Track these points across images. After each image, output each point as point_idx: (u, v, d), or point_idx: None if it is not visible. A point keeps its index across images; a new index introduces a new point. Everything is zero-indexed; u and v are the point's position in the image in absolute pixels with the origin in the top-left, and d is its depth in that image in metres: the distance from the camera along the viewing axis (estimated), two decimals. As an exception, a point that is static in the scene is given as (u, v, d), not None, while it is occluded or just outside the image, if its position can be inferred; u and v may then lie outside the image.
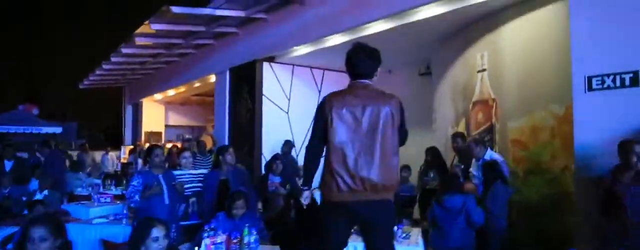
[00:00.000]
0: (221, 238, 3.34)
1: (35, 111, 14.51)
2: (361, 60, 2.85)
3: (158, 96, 13.71)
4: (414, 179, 6.55)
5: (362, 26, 6.11)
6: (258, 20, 7.82)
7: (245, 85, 8.51)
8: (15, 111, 14.80)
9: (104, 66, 11.11)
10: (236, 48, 8.73)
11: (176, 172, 4.96)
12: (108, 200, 6.36)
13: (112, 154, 13.52)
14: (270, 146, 8.15)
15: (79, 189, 7.79)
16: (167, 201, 4.46)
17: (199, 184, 5.01)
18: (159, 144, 7.52)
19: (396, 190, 2.85)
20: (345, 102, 2.72)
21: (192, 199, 4.98)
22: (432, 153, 5.72)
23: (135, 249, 2.77)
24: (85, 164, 11.10)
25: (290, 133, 8.55)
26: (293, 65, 8.55)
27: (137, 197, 4.35)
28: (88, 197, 6.87)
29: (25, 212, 5.42)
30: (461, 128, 6.13)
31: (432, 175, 5.42)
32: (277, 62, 8.32)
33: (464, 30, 6.06)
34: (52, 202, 6.33)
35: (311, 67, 8.82)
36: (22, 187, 6.75)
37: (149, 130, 14.48)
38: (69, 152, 12.61)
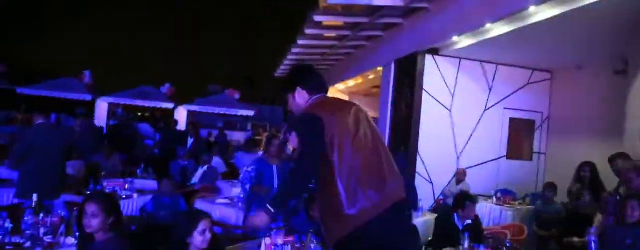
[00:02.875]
0: (284, 239, 3.16)
1: (236, 96, 16.49)
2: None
3: (340, 86, 14.14)
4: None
5: (524, 13, 5.16)
6: (420, 10, 7.32)
7: (407, 79, 8.09)
8: (221, 95, 17.08)
9: (289, 57, 11.91)
10: (400, 40, 8.35)
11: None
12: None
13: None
14: (427, 147, 7.60)
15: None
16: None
17: None
18: (278, 134, 7.66)
19: None
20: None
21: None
22: (591, 170, 4.54)
23: (180, 240, 2.78)
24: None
25: (452, 132, 7.84)
26: (459, 58, 7.78)
27: (247, 186, 4.45)
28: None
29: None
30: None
31: (588, 198, 4.29)
32: (442, 55, 7.67)
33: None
34: (210, 178, 7.05)
35: (481, 62, 7.91)
36: (192, 162, 7.67)
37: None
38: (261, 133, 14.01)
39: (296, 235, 3.35)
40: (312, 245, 3.14)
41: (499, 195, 6.96)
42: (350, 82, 12.98)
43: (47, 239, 3.27)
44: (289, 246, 3.14)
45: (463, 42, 6.83)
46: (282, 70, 14.67)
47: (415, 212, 5.37)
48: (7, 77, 16.21)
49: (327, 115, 2.43)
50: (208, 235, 2.78)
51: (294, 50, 11.08)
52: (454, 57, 7.73)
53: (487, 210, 6.91)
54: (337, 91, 14.94)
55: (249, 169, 4.51)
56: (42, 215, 3.41)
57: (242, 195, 5.20)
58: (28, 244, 3.19)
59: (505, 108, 8.09)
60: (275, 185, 4.45)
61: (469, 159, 7.83)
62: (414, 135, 7.70)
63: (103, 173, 6.59)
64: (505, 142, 8.14)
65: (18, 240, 3.24)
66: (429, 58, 7.66)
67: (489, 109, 8.01)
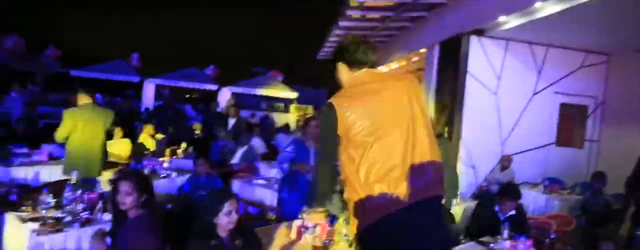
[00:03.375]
0: (316, 222, 3.11)
1: (279, 78, 16.54)
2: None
3: (383, 69, 13.89)
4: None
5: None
6: (467, -11, 7.01)
7: (450, 62, 7.81)
8: (264, 77, 17.19)
9: (330, 39, 11.77)
10: (445, 20, 8.05)
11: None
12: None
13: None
14: (470, 131, 7.34)
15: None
16: (310, 175, 4.43)
17: None
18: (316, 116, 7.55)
19: None
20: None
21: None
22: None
23: (208, 220, 2.77)
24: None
25: (497, 117, 7.54)
26: (507, 40, 7.43)
27: (286, 165, 4.42)
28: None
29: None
30: None
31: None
32: (488, 36, 7.34)
33: None
34: (249, 158, 7.11)
35: (530, 43, 7.52)
36: (232, 143, 7.74)
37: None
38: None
39: (328, 218, 3.29)
40: (344, 230, 3.08)
41: (546, 183, 6.65)
42: (393, 65, 12.72)
43: (85, 214, 3.36)
44: (319, 228, 3.09)
45: (510, 22, 6.48)
46: (324, 52, 14.57)
47: (454, 199, 5.20)
48: (61, 61, 16.87)
49: (346, 104, 2.26)
50: (234, 216, 2.76)
51: (336, 31, 10.94)
52: (500, 38, 7.38)
53: (532, 199, 6.63)
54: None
55: (288, 149, 4.48)
56: (80, 191, 3.50)
57: (279, 177, 5.19)
58: (67, 218, 3.29)
59: (555, 92, 7.69)
60: (312, 169, 4.42)
61: (515, 145, 7.52)
62: (457, 120, 7.45)
63: (145, 152, 6.76)
64: (555, 128, 7.76)
65: (58, 215, 3.35)
66: (474, 39, 7.35)
67: (537, 93, 7.64)
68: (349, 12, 8.56)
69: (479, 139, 7.38)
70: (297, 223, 3.21)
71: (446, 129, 7.72)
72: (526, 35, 7.21)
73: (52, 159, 5.74)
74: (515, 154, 7.41)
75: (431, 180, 2.25)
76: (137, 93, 15.52)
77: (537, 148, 7.66)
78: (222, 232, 2.78)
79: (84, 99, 5.07)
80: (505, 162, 7.27)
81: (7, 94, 9.72)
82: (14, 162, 5.37)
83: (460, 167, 7.28)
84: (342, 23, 9.70)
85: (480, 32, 7.30)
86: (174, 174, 5.48)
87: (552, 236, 4.18)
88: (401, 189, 2.16)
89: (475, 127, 7.37)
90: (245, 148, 7.40)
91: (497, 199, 4.43)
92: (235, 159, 7.34)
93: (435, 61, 8.46)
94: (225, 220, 2.74)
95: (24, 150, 5.49)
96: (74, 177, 3.84)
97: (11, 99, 9.44)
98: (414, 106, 2.31)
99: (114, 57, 16.43)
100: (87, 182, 4.17)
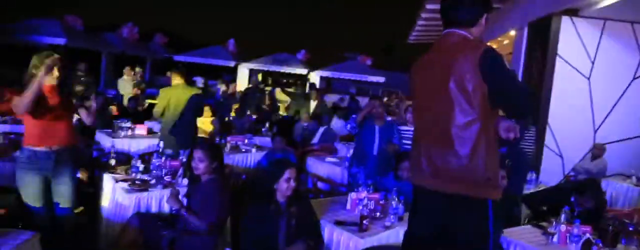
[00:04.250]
0: (370, 196, 3.27)
1: (368, 62, 16.62)
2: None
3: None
4: None
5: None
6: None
7: (539, 44, 7.42)
8: (353, 61, 17.35)
9: (419, 22, 11.63)
10: (536, 1, 7.64)
11: (403, 128, 4.97)
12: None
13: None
14: (559, 118, 6.97)
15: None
16: (374, 152, 4.58)
17: None
18: (380, 96, 7.48)
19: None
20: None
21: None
22: None
23: (269, 186, 3.04)
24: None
25: (590, 103, 7.07)
26: (604, 19, 6.89)
27: (352, 120, 4.65)
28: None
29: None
30: None
31: None
32: (582, 16, 6.86)
33: None
34: (328, 138, 7.40)
35: (632, 22, 6.91)
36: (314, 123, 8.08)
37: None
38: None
39: (382, 193, 3.42)
40: (394, 203, 3.20)
41: (640, 175, 6.16)
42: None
43: (167, 178, 3.82)
44: (373, 202, 3.24)
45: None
46: (414, 36, 14.38)
47: (526, 184, 5.04)
48: (167, 47, 18.34)
49: (414, 71, 2.26)
50: (292, 183, 3.01)
51: (424, 15, 10.79)
52: (597, 18, 6.87)
53: (623, 191, 6.20)
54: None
55: (351, 122, 4.72)
56: (163, 158, 3.97)
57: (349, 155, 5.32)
58: (153, 181, 3.77)
59: (659, 77, 7.03)
60: (375, 145, 4.58)
61: (608, 134, 7.02)
62: (544, 105, 7.10)
63: (233, 130, 7.29)
64: (658, 116, 7.11)
65: (146, 177, 3.84)
66: (565, 20, 6.92)
67: (638, 77, 7.03)
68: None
69: (569, 126, 6.99)
70: (352, 196, 3.39)
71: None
72: (627, 14, 6.64)
73: (151, 133, 6.42)
74: (609, 143, 6.92)
75: (445, 179, 2.08)
76: (233, 76, 16.47)
77: (635, 137, 7.07)
78: (281, 198, 3.04)
79: (176, 79, 5.58)
80: (597, 151, 6.83)
81: (120, 77, 10.88)
82: (119, 134, 6.10)
83: (546, 154, 6.96)
84: (430, 6, 9.58)
85: (573, 12, 6.85)
86: (253, 150, 5.89)
87: (631, 228, 3.95)
88: None
89: (565, 114, 6.97)
90: (324, 128, 7.68)
91: (574, 194, 4.18)
92: (315, 139, 7.66)
93: (524, 43, 8.08)
94: (284, 186, 3.00)
95: (128, 124, 6.20)
96: (160, 147, 4.33)
97: (122, 81, 10.57)
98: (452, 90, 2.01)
99: (213, 43, 17.54)
100: (180, 153, 4.63)
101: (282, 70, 16.64)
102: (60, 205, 3.26)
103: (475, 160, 1.96)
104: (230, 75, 16.31)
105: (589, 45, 6.97)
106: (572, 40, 6.94)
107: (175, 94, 5.43)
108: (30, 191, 3.12)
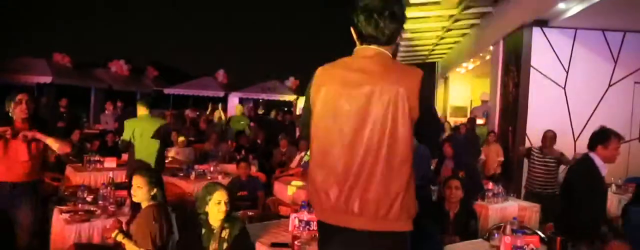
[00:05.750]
0: (308, 215, 3.14)
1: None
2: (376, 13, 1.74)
3: (461, 70, 13.38)
4: None
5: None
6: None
7: (513, 56, 7.37)
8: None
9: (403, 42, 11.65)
10: (508, 14, 7.64)
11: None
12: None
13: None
14: (538, 128, 6.82)
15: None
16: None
17: None
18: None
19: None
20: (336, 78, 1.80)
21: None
22: None
23: (199, 210, 2.93)
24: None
25: (567, 113, 6.96)
26: (575, 29, 6.85)
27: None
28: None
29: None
30: None
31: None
32: (552, 27, 6.82)
33: None
34: (307, 163, 7.23)
35: (603, 30, 6.85)
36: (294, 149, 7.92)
37: (455, 104, 14.45)
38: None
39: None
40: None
41: (619, 182, 5.97)
42: (470, 65, 12.21)
43: (112, 208, 3.72)
44: (314, 223, 3.10)
45: (573, 8, 6.00)
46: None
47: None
48: (157, 80, 18.46)
49: (317, 85, 1.83)
50: (223, 206, 2.89)
51: (404, 35, 10.82)
52: (567, 27, 6.83)
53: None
54: (459, 75, 14.19)
55: None
56: (109, 188, 3.86)
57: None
58: (98, 211, 3.67)
59: (635, 82, 6.92)
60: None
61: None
62: (521, 116, 7.01)
63: (209, 158, 7.20)
64: (638, 121, 6.97)
65: (92, 208, 3.75)
66: (536, 31, 6.89)
67: (614, 84, 6.93)
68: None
69: (548, 138, 6.84)
70: (292, 216, 3.25)
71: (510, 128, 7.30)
72: (598, 22, 6.60)
73: (120, 165, 6.32)
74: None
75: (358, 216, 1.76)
76: (224, 105, 16.48)
77: (617, 145, 6.91)
78: (214, 222, 2.92)
79: (141, 110, 5.53)
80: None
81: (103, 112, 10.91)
82: (87, 168, 6.02)
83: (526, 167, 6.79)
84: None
85: (543, 23, 6.82)
86: (220, 177, 5.78)
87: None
88: None
89: (543, 125, 6.82)
90: (302, 153, 7.56)
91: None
92: (294, 163, 7.54)
93: (500, 57, 8.06)
94: (215, 209, 2.88)
95: (96, 157, 6.14)
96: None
97: (104, 117, 10.57)
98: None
99: (203, 73, 17.65)
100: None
101: (271, 98, 16.65)
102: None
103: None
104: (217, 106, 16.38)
105: (562, 55, 6.91)
106: (545, 50, 6.90)
107: (139, 124, 5.37)
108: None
